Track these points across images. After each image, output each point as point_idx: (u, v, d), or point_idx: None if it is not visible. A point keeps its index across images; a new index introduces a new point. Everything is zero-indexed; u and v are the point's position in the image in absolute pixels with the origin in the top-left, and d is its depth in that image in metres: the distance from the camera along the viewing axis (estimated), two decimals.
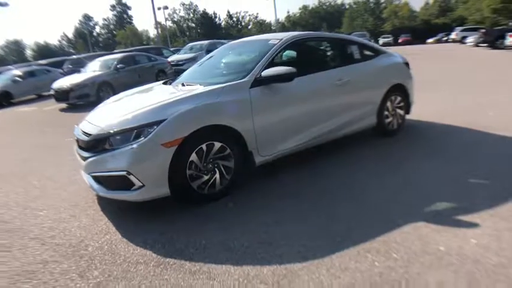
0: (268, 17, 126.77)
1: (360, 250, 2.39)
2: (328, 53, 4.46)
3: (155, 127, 2.90)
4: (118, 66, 11.69)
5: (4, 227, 3.18)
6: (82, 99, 10.58)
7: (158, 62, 14.13)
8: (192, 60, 16.79)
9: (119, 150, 2.90)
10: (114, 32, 73.40)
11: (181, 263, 2.43)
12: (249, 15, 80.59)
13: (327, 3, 78.60)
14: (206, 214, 3.09)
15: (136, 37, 67.39)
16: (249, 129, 3.32)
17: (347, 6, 71.99)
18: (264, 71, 3.46)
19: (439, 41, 38.95)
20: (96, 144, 3.07)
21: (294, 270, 2.24)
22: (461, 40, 28.59)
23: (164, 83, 4.43)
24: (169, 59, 16.22)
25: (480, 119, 5.36)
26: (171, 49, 25.57)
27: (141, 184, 2.89)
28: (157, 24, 33.88)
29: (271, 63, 3.60)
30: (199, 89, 3.40)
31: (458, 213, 2.74)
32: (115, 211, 3.27)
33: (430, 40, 40.92)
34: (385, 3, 65.15)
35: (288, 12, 77.06)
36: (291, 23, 77.01)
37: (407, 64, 5.03)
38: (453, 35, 32.59)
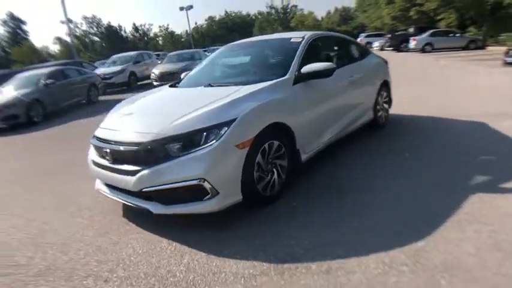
0: (178, 28, 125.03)
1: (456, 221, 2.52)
2: (340, 51, 4.60)
3: (226, 128, 2.62)
4: (47, 81, 10.29)
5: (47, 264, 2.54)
6: (8, 122, 9.05)
7: (89, 76, 12.87)
8: (120, 73, 15.77)
9: (189, 156, 2.54)
10: (7, 49, 64.73)
11: (304, 265, 2.22)
12: (159, 26, 78.52)
13: (233, 14, 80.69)
14: (277, 214, 2.91)
15: (35, 54, 60.32)
16: (297, 126, 3.22)
17: (253, 17, 75.16)
18: (303, 68, 3.41)
19: None
20: (152, 153, 2.63)
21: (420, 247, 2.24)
22: (366, 45, 31.93)
23: (171, 86, 4.11)
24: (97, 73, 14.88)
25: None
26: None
27: (215, 192, 2.57)
28: (72, 36, 30.74)
29: (304, 60, 3.57)
30: (246, 87, 3.15)
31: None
32: (163, 228, 2.83)
33: None
34: (289, 12, 69.51)
35: (196, 23, 76.85)
36: (199, 34, 77.16)
37: (387, 63, 5.46)
38: (358, 41, 36.01)
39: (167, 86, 4.20)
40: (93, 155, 3.15)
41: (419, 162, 3.76)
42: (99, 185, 3.19)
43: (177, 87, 4.04)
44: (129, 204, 2.84)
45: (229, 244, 2.55)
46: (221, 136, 2.57)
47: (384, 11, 35.04)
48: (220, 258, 2.41)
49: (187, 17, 50.17)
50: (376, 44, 28.00)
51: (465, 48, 20.13)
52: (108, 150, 2.83)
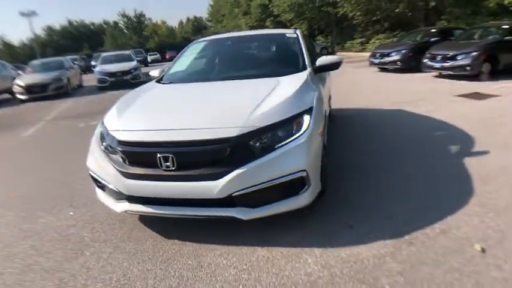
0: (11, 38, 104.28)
1: None
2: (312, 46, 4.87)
3: (308, 116, 2.49)
4: None
5: None
6: None
7: None
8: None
9: (286, 148, 2.31)
10: None
11: (421, 233, 2.39)
12: None
13: (75, 23, 72.76)
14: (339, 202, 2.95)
15: None
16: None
17: (99, 26, 69.56)
18: (318, 60, 3.54)
19: None
20: (241, 149, 2.28)
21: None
22: None
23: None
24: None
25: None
26: None
27: (310, 183, 2.43)
28: None
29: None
30: (282, 79, 3.04)
31: None
32: (247, 239, 2.52)
33: None
34: (143, 21, 66.92)
35: (35, 33, 66.03)
36: (39, 44, 66.67)
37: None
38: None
39: (160, 84, 3.63)
40: (121, 166, 2.48)
41: None
42: (128, 205, 2.55)
43: (171, 83, 3.56)
44: (200, 217, 2.40)
45: (335, 235, 2.47)
46: (308, 124, 2.45)
47: (241, 20, 37.59)
48: (342, 248, 2.32)
49: (30, 24, 42.11)
50: None
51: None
52: (169, 155, 2.30)
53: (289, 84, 2.88)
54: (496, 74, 8.41)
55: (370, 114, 6.18)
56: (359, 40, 22.63)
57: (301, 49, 3.67)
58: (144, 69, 16.11)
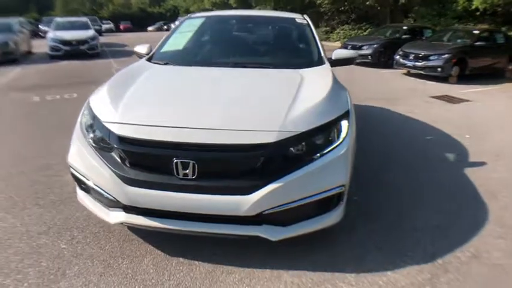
0: None
1: None
2: None
3: (345, 121, 2.18)
4: None
5: None
6: None
7: None
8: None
9: (328, 158, 1.98)
10: None
11: (452, 256, 2.24)
12: None
13: None
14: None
15: None
16: None
17: None
18: (334, 54, 3.23)
19: (159, 29, 40.72)
20: (278, 158, 1.92)
21: None
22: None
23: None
24: None
25: None
26: None
27: (344, 198, 2.15)
28: None
29: None
30: (305, 72, 2.69)
31: None
32: (269, 263, 2.20)
33: (150, 28, 41.94)
34: None
35: None
36: None
37: None
38: (173, 25, 35.07)
39: (155, 64, 3.05)
40: (119, 168, 2.00)
41: None
42: (125, 216, 2.09)
43: (169, 64, 3.01)
44: (217, 235, 2.02)
45: (364, 258, 2.23)
46: (347, 131, 2.14)
47: None
48: (376, 273, 2.08)
49: None
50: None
51: None
52: (189, 161, 1.86)
53: (316, 81, 2.55)
54: (462, 78, 8.73)
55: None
56: (324, 29, 22.62)
57: (315, 38, 3.35)
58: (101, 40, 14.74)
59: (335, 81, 2.62)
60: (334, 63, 3.19)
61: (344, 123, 2.16)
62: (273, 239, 1.98)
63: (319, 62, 3.03)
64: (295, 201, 1.93)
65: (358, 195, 2.88)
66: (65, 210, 2.68)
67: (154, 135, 1.94)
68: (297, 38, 3.55)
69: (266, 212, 1.91)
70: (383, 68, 10.70)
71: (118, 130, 2.02)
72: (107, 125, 2.08)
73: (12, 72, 9.43)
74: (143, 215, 2.04)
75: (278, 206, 1.91)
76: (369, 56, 11.25)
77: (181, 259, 2.16)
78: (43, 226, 2.49)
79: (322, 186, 1.97)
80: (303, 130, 1.96)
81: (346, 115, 2.21)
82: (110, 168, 1.99)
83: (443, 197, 3.04)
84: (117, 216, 2.09)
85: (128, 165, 1.98)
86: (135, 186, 1.93)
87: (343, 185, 2.03)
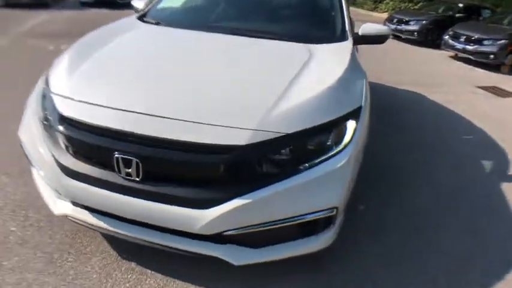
0: None
1: None
2: None
3: (353, 122, 1.68)
4: None
5: None
6: None
7: None
8: None
9: (318, 171, 1.51)
10: None
11: None
12: None
13: None
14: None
15: None
16: None
17: None
18: (362, 29, 2.62)
19: None
20: (249, 166, 1.48)
21: None
22: None
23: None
24: None
25: None
26: None
27: (336, 221, 1.70)
28: None
29: None
30: (316, 48, 2.16)
31: None
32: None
33: None
34: None
35: None
36: None
37: None
38: None
39: (143, 23, 2.61)
40: (61, 154, 1.64)
41: None
42: (72, 209, 1.75)
43: (160, 25, 2.56)
44: (171, 250, 1.64)
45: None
46: (352, 135, 1.64)
47: None
48: None
49: None
50: None
51: None
52: (132, 158, 1.45)
53: (326, 62, 2.03)
54: None
55: (380, 92, 5.30)
56: None
57: (341, 7, 2.74)
58: None
59: (352, 64, 2.08)
60: (361, 40, 2.61)
61: (350, 125, 1.67)
62: (236, 263, 1.59)
63: (341, 38, 2.46)
64: (267, 224, 1.51)
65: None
66: (31, 183, 2.40)
67: (95, 119, 1.54)
68: (317, 4, 2.95)
69: (228, 233, 1.50)
70: (429, 48, 9.64)
71: (61, 106, 1.65)
72: (53, 97, 1.72)
73: (38, 18, 9.24)
74: (91, 212, 1.71)
75: (243, 228, 1.50)
76: (415, 33, 10.15)
77: (133, 264, 1.84)
78: (0, 201, 2.23)
79: (305, 208, 1.53)
80: (289, 132, 1.49)
81: (355, 113, 1.71)
82: (51, 153, 1.64)
83: (467, 214, 2.51)
84: (63, 207, 1.78)
85: (71, 152, 1.62)
86: (74, 178, 1.58)
87: (334, 208, 1.57)
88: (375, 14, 17.84)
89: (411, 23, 10.24)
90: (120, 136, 1.48)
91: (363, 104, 1.79)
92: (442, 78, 6.69)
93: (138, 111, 1.52)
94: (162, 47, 2.24)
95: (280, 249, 1.64)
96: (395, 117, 4.31)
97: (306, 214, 1.53)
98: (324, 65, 1.97)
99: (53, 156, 1.63)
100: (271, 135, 1.46)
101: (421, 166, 3.17)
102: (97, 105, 1.59)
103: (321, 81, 1.76)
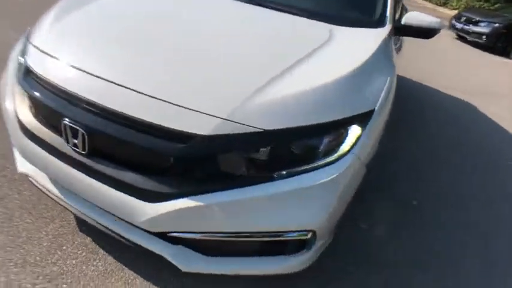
0: None
1: None
2: None
3: (358, 127, 1.35)
4: None
5: None
6: None
7: None
8: None
9: (298, 182, 1.23)
10: None
11: None
12: None
13: None
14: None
15: None
16: None
17: None
18: (404, 17, 2.18)
19: None
20: (211, 164, 1.23)
21: None
22: None
23: None
24: None
25: None
26: None
27: (312, 246, 1.40)
28: None
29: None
30: (339, 33, 1.79)
31: None
32: None
33: None
34: None
35: None
36: None
37: None
38: None
39: None
40: (23, 110, 1.49)
41: None
42: (33, 170, 1.59)
43: None
44: (120, 239, 1.44)
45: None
46: (354, 143, 1.32)
47: None
48: None
49: None
50: None
51: None
52: (78, 128, 1.25)
53: (345, 49, 1.68)
54: None
55: (428, 97, 4.79)
56: None
57: None
58: None
59: (378, 57, 1.70)
60: (402, 30, 2.18)
61: (354, 131, 1.34)
62: (182, 268, 1.36)
63: (377, 23, 2.05)
64: (221, 233, 1.27)
65: None
66: None
67: (56, 77, 1.36)
68: None
69: (173, 234, 1.28)
70: (497, 55, 8.64)
71: (32, 58, 1.49)
72: (29, 48, 1.55)
73: None
74: (52, 180, 1.55)
75: (192, 233, 1.27)
76: (484, 36, 9.12)
77: (88, 240, 1.68)
78: None
79: (269, 225, 1.26)
80: (267, 128, 1.21)
81: (363, 118, 1.38)
82: (14, 107, 1.49)
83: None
84: (26, 166, 1.63)
85: (33, 111, 1.47)
86: (29, 139, 1.42)
87: (311, 231, 1.29)
88: (442, 9, 16.30)
89: (481, 24, 9.19)
90: (72, 100, 1.29)
91: (377, 107, 1.44)
92: (501, 90, 5.95)
93: (103, 77, 1.30)
94: (159, 7, 1.96)
95: (236, 263, 1.40)
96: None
97: (269, 232, 1.26)
98: (340, 53, 1.62)
99: (15, 110, 1.48)
100: (243, 129, 1.19)
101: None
102: (65, 63, 1.40)
103: (327, 72, 1.42)
